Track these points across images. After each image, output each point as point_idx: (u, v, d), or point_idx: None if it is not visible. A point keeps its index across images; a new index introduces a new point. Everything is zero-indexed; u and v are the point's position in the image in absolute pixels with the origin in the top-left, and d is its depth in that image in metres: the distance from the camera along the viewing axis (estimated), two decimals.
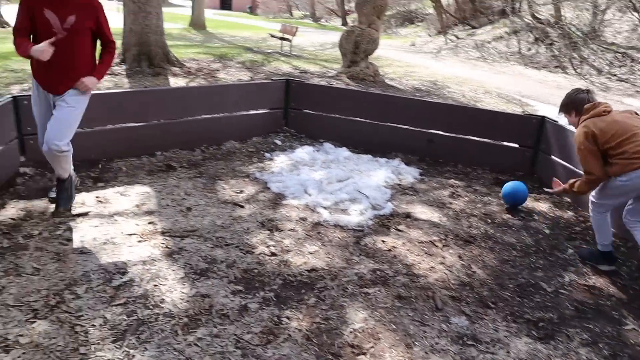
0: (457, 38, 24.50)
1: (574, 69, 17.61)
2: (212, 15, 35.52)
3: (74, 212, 4.04)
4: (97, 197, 4.37)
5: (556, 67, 18.14)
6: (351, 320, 2.99)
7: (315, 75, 12.14)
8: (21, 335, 2.62)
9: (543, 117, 5.85)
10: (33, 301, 2.90)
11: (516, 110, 10.46)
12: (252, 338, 2.76)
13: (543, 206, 5.06)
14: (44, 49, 3.43)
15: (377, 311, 3.10)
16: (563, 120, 4.07)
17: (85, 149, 5.10)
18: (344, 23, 36.91)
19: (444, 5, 27.44)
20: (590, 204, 3.91)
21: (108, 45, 3.98)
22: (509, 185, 5.01)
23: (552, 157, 5.52)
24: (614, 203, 3.79)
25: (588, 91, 3.88)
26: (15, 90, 8.10)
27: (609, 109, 3.75)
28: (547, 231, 4.51)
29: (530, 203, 5.10)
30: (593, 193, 3.86)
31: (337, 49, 13.36)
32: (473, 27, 25.33)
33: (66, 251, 3.45)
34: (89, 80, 3.80)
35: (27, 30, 3.60)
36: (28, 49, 3.47)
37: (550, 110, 8.90)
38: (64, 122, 3.73)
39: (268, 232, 4.00)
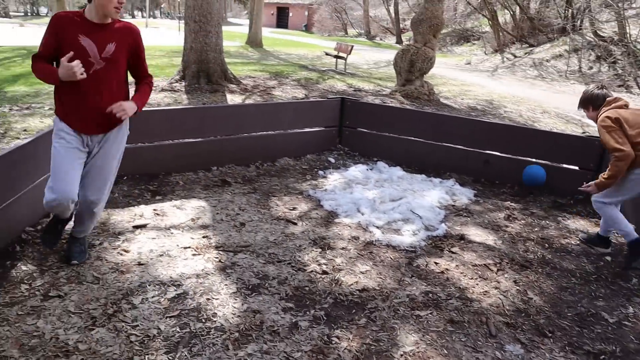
0: (514, 56, 24.05)
1: None
2: (269, 34, 36.26)
3: (133, 224, 4.18)
4: (154, 209, 4.50)
5: (620, 86, 17.50)
6: (402, 343, 2.94)
7: (369, 93, 12.17)
8: (80, 342, 2.71)
9: None
10: (92, 309, 3.00)
11: (576, 131, 10.14)
12: (302, 356, 2.76)
13: None
14: (73, 66, 2.88)
15: (429, 335, 3.05)
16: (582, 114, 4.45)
17: (145, 163, 5.28)
18: (399, 41, 36.90)
19: (501, 23, 27.02)
20: (597, 205, 4.21)
21: (145, 76, 3.45)
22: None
23: None
24: (623, 199, 4.12)
25: (604, 87, 4.26)
26: None
27: (628, 104, 4.15)
28: (608, 258, 4.32)
29: (591, 229, 4.91)
30: (600, 195, 4.16)
31: (391, 67, 13.36)
32: (531, 45, 24.81)
33: (124, 262, 3.57)
34: (128, 105, 3.17)
35: (49, 60, 3.07)
36: (55, 73, 2.96)
37: None
38: (108, 173, 3.32)
39: (320, 250, 4.01)
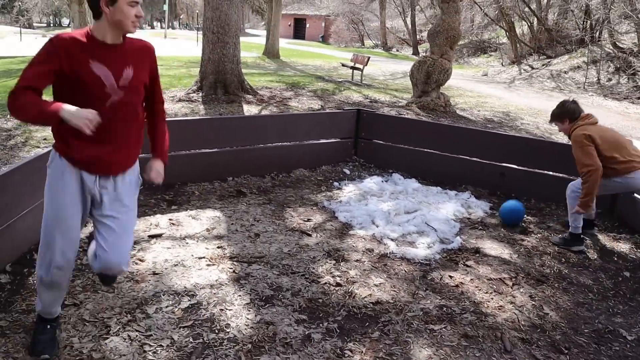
0: (532, 68, 23.90)
1: None
2: (286, 44, 36.49)
3: (148, 233, 4.21)
4: (170, 219, 4.54)
5: (639, 98, 17.29)
6: (415, 357, 2.92)
7: (385, 104, 12.18)
8: (94, 350, 2.73)
9: None
10: (107, 318, 3.02)
11: None
12: None
13: (623, 247, 4.78)
14: (91, 118, 2.25)
15: (443, 349, 3.02)
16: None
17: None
18: (415, 52, 36.90)
19: (518, 34, 26.90)
20: (573, 194, 4.54)
21: (160, 106, 2.85)
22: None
23: (635, 195, 5.22)
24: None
25: (575, 102, 4.66)
26: None
27: (597, 120, 4.58)
28: (627, 273, 4.25)
29: (609, 243, 4.84)
30: (576, 187, 4.51)
31: (407, 78, 13.35)
32: (548, 57, 24.64)
33: (139, 271, 3.59)
34: (160, 167, 2.78)
35: (39, 91, 2.31)
36: (56, 111, 2.23)
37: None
38: (129, 231, 2.70)
39: (334, 261, 4.01)
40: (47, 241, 2.52)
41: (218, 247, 4.07)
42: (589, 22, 23.15)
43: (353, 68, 17.06)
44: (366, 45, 45.10)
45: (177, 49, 26.65)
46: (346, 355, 2.88)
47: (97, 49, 2.40)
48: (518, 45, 26.58)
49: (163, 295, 3.32)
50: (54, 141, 2.56)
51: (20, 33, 34.70)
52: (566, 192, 4.65)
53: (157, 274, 3.58)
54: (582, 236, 4.62)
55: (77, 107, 2.26)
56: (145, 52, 2.64)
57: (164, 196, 5.07)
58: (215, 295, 3.37)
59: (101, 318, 3.01)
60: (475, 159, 6.22)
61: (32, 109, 2.25)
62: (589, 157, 4.32)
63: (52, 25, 67.15)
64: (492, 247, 4.54)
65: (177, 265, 3.73)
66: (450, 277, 3.92)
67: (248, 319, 3.14)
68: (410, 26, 39.71)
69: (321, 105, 11.29)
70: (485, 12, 29.67)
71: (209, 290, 3.43)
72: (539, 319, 3.44)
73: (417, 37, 39.02)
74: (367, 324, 3.21)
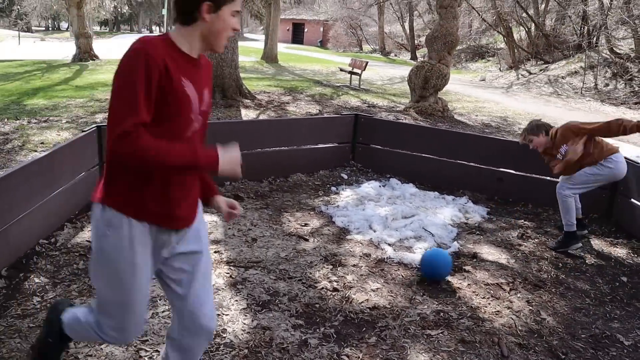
0: (529, 73, 23.96)
1: None
2: (284, 49, 36.51)
3: None
4: None
5: (636, 103, 17.34)
6: None
7: (383, 109, 12.20)
8: (90, 356, 2.72)
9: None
10: None
11: None
12: None
13: (620, 252, 4.79)
14: (239, 159, 1.92)
15: (440, 354, 3.01)
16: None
17: None
18: (413, 57, 36.98)
19: (516, 39, 26.98)
20: (563, 191, 4.61)
21: (204, 131, 2.12)
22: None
23: (632, 200, 5.23)
24: (586, 188, 4.65)
25: (541, 120, 4.98)
26: (100, 118, 8.61)
27: None
28: (624, 278, 4.25)
29: (606, 248, 4.84)
30: (569, 184, 4.60)
31: (405, 83, 13.38)
32: (546, 62, 24.71)
33: None
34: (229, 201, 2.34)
35: (148, 121, 1.76)
36: (212, 157, 1.84)
37: (630, 150, 8.49)
38: (210, 276, 2.26)
39: (331, 266, 4.00)
40: (117, 324, 2.07)
41: (215, 252, 4.06)
42: (586, 27, 23.22)
43: (351, 73, 17.11)
44: (364, 50, 45.18)
45: None
46: None
47: (184, 63, 1.87)
48: (516, 51, 26.67)
49: (159, 300, 3.31)
50: (98, 196, 1.94)
51: (19, 37, 34.70)
52: (557, 192, 4.68)
53: (153, 278, 3.55)
54: (577, 233, 4.66)
55: (224, 150, 1.85)
56: (210, 71, 2.11)
57: None
58: None
59: None
60: (472, 163, 6.23)
61: (170, 157, 1.76)
62: (593, 122, 4.55)
63: (50, 29, 67.21)
64: (489, 252, 4.54)
65: None
66: (447, 282, 3.92)
67: (245, 324, 3.14)
68: (408, 31, 39.81)
69: (319, 110, 11.31)
70: (483, 18, 29.78)
71: None
72: (536, 324, 3.44)
73: (415, 42, 39.12)
74: (364, 329, 3.21)
